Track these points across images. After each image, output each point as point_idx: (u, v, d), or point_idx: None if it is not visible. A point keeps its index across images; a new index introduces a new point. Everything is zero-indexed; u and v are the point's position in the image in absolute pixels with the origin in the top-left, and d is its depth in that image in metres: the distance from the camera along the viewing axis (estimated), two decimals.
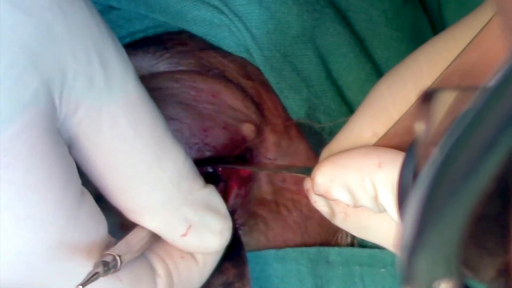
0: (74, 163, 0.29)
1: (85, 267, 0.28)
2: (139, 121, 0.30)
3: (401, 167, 0.24)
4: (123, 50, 0.30)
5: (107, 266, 0.28)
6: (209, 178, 0.41)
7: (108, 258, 0.28)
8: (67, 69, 0.27)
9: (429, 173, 0.16)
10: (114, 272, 0.28)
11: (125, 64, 0.30)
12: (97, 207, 0.30)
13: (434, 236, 0.17)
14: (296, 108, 0.41)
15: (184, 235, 0.32)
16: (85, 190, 0.29)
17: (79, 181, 0.29)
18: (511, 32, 0.16)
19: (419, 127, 0.20)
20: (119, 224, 0.33)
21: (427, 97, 0.19)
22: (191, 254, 0.34)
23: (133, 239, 0.31)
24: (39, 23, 0.26)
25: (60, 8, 0.27)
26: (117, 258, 0.28)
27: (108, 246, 0.30)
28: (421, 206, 0.17)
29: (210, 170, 0.41)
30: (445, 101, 0.19)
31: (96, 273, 0.28)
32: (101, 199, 0.31)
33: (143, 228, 0.32)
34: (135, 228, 0.32)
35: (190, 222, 0.32)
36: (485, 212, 0.18)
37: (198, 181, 0.33)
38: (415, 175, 0.21)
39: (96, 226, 0.29)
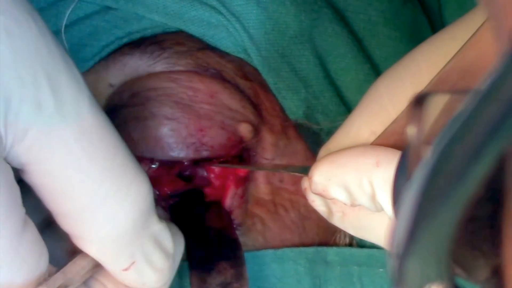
0: (18, 192, 0.27)
1: None
2: (94, 149, 0.28)
3: (395, 171, 0.24)
4: (78, 74, 0.29)
5: None
6: (198, 180, 0.41)
7: None
8: (11, 94, 0.26)
9: (420, 176, 0.16)
10: None
11: (79, 89, 0.28)
12: (40, 239, 0.29)
13: (425, 239, 0.17)
14: (294, 108, 0.41)
15: (125, 269, 0.31)
16: (29, 220, 0.28)
17: (22, 210, 0.27)
18: (502, 37, 0.16)
19: (411, 131, 0.20)
20: (68, 250, 0.32)
21: (419, 101, 0.19)
22: None
23: (72, 270, 0.30)
24: None
25: (7, 30, 0.26)
26: None
27: (46, 278, 0.28)
28: (412, 209, 0.17)
29: (203, 173, 0.41)
30: (437, 105, 0.19)
31: None
32: (50, 224, 0.30)
33: (85, 256, 0.31)
34: (76, 256, 0.31)
35: (135, 258, 0.31)
36: (478, 213, 0.18)
37: (154, 216, 0.32)
38: (408, 178, 0.21)
39: (37, 261, 0.28)
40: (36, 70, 0.27)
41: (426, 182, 0.16)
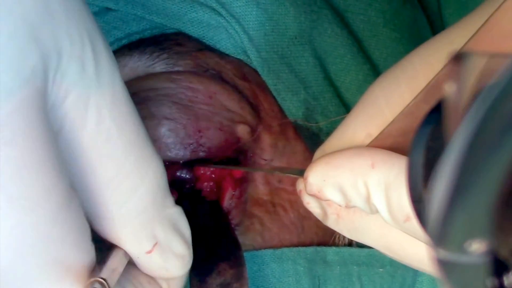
0: (62, 160, 0.27)
1: (71, 265, 0.27)
2: (123, 121, 0.28)
3: (409, 151, 0.24)
4: (109, 47, 0.29)
5: None
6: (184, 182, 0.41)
7: (97, 285, 0.27)
8: (63, 50, 0.26)
9: (466, 131, 0.16)
10: None
11: (113, 59, 0.28)
12: (82, 212, 0.28)
13: (475, 190, 0.17)
14: (293, 109, 0.41)
15: (149, 252, 0.31)
16: (72, 190, 0.28)
17: (67, 179, 0.27)
18: None
19: (450, 88, 0.19)
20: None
21: (459, 59, 0.19)
22: (156, 281, 0.33)
23: (114, 263, 0.30)
24: None
25: None
26: (105, 283, 0.28)
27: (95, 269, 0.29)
28: (458, 165, 0.16)
29: (186, 175, 0.41)
30: (475, 65, 0.19)
31: None
32: None
33: (118, 250, 0.31)
34: (111, 251, 0.31)
35: (157, 239, 0.31)
36: None
37: (170, 199, 0.32)
38: (450, 134, 0.20)
39: (83, 227, 0.28)
40: (82, 32, 0.27)
41: (473, 136, 0.16)
